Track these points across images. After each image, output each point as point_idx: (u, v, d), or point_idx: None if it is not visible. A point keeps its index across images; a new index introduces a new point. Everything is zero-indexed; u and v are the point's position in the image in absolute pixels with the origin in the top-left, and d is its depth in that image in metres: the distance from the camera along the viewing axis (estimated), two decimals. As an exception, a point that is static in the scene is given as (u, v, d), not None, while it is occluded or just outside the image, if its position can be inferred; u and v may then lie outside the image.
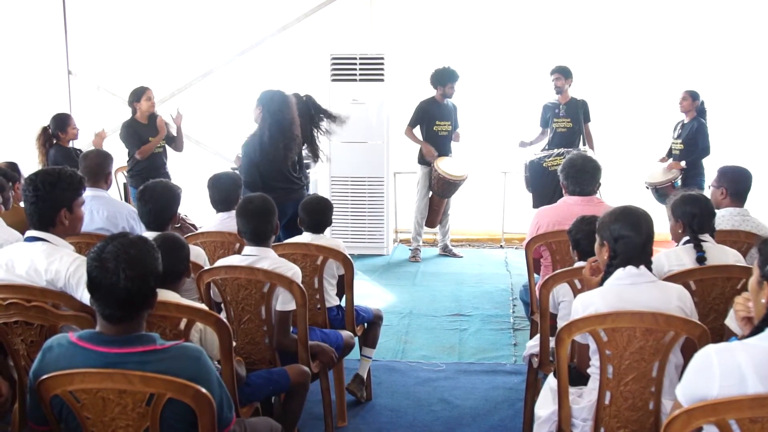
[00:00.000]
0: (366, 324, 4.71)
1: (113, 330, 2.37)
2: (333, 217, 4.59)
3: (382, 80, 8.06)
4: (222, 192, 4.78)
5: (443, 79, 7.61)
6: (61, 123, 6.71)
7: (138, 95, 6.92)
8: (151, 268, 2.41)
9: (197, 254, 3.96)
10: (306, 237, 4.46)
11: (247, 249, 3.78)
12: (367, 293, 6.85)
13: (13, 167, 5.40)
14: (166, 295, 3.00)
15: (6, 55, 8.05)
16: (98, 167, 4.84)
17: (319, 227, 4.49)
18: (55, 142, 6.66)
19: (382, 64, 8.02)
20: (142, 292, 2.37)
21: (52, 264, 3.19)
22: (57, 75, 8.64)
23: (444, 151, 7.74)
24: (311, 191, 7.92)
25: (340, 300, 4.52)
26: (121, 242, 2.39)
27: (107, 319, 2.37)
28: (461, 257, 8.30)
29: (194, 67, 9.07)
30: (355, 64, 8.07)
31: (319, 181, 8.48)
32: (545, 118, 7.73)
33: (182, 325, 3.00)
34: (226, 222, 4.62)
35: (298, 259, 4.21)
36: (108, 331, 2.37)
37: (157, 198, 3.97)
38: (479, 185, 8.55)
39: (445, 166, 7.53)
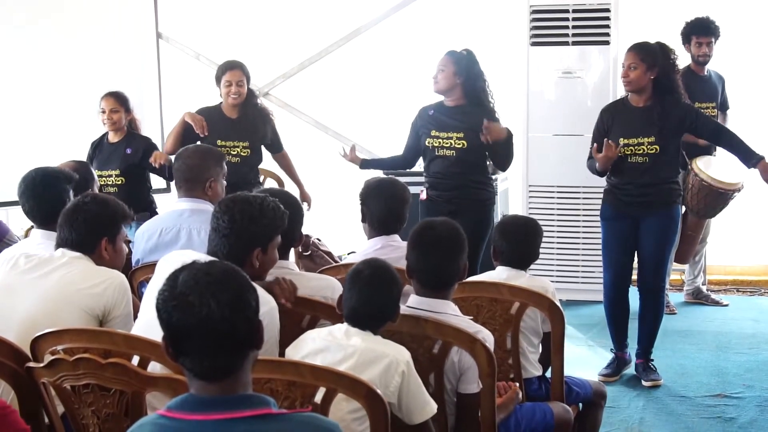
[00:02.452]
0: (581, 405, 4.66)
1: (213, 389, 2.42)
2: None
3: (607, 43, 8.00)
4: (383, 205, 4.84)
5: (687, 32, 7.43)
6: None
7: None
8: (246, 285, 2.48)
9: (333, 290, 4.02)
10: (500, 273, 4.46)
11: (414, 299, 3.80)
12: (583, 359, 6.79)
13: (85, 168, 5.68)
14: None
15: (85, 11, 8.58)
16: (191, 170, 5.00)
17: (523, 261, 4.54)
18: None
19: (607, 18, 7.96)
20: (244, 319, 2.43)
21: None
22: (144, 38, 9.08)
23: (705, 148, 7.53)
24: (499, 205, 7.94)
25: (545, 369, 4.48)
26: (194, 267, 2.47)
27: (206, 375, 2.42)
28: (725, 306, 8.17)
29: (330, 29, 9.35)
30: (567, 19, 8.04)
31: (511, 191, 8.45)
32: None
33: (318, 396, 3.03)
34: (383, 252, 4.65)
35: (484, 306, 4.21)
36: (206, 391, 2.43)
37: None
38: (754, 197, 8.28)
39: (710, 168, 7.31)
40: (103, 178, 7.05)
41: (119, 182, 7.06)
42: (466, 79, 6.39)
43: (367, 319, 3.43)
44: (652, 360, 6.44)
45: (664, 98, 6.06)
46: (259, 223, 3.66)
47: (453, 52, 6.44)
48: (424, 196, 6.55)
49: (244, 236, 3.64)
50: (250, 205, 3.67)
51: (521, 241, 4.52)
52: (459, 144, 6.39)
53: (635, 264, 6.46)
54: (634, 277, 6.50)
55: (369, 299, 3.43)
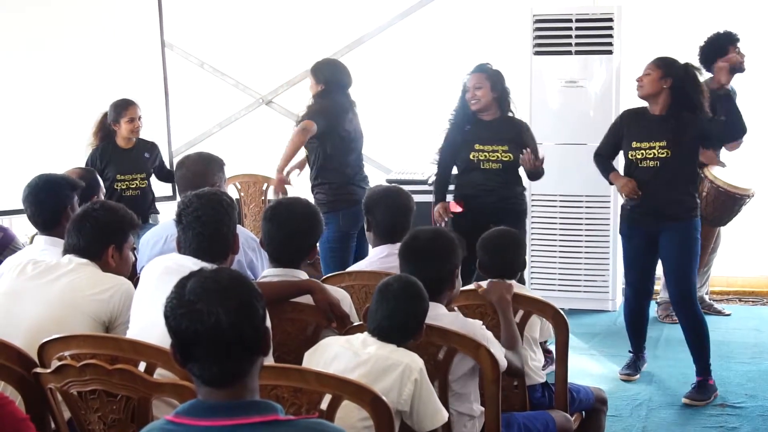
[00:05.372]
0: (584, 412, 4.67)
1: (220, 395, 2.44)
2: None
3: (610, 52, 8.00)
4: (389, 214, 4.87)
5: (722, 44, 7.38)
6: (115, 112, 7.34)
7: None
8: (253, 292, 2.50)
9: (342, 300, 4.03)
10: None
11: None
12: (584, 368, 6.78)
13: (90, 176, 5.70)
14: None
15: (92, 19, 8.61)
16: (198, 177, 5.02)
17: (510, 272, 4.54)
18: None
19: (610, 28, 7.96)
20: (251, 326, 2.45)
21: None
22: (149, 46, 9.10)
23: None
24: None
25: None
26: (202, 275, 2.49)
27: (214, 381, 2.44)
28: (727, 315, 8.15)
29: (334, 38, 9.38)
30: (570, 28, 8.04)
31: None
32: None
33: (324, 403, 3.04)
34: (388, 260, 4.66)
35: (487, 314, 4.21)
36: (213, 397, 2.44)
37: (295, 222, 4.11)
38: (758, 209, 8.27)
39: (723, 174, 7.28)
40: (126, 182, 7.18)
41: (143, 185, 7.27)
42: (500, 93, 6.57)
43: (393, 333, 3.45)
44: (710, 379, 6.32)
45: (681, 111, 6.06)
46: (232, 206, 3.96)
47: (485, 67, 6.56)
48: (458, 209, 6.63)
49: (229, 221, 3.89)
50: (215, 194, 3.95)
51: (504, 252, 4.54)
52: (506, 157, 6.50)
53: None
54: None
55: (396, 313, 3.46)
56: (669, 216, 6.15)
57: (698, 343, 6.31)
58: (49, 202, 4.68)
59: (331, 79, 6.81)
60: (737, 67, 7.36)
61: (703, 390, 6.21)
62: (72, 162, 7.00)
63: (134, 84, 8.48)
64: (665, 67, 6.06)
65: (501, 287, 4.23)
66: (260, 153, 8.49)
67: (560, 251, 8.25)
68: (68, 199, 4.72)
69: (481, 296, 4.25)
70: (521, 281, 5.86)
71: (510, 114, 6.66)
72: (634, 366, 6.66)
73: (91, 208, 4.16)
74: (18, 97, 8.13)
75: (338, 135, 6.77)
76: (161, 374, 3.28)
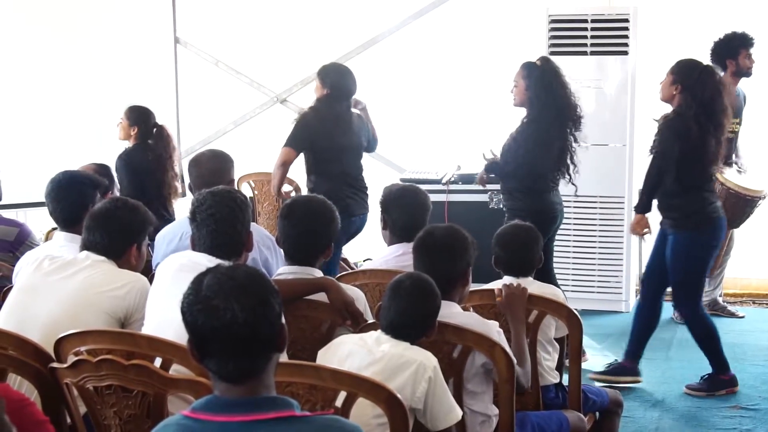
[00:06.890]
0: (598, 413, 4.67)
1: (237, 391, 2.46)
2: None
3: (625, 53, 8.00)
4: (406, 214, 4.89)
5: (734, 45, 7.38)
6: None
7: None
8: (269, 289, 2.52)
9: (356, 299, 4.05)
10: (508, 282, 4.46)
11: None
12: (599, 368, 6.74)
13: (105, 171, 5.72)
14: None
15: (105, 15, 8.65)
16: (214, 174, 5.04)
17: (526, 268, 4.55)
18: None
19: (626, 28, 7.96)
20: (267, 323, 2.47)
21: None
22: (161, 42, 9.13)
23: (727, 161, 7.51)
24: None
25: (561, 376, 4.51)
26: (218, 271, 2.51)
27: (230, 377, 2.46)
28: (741, 318, 8.17)
29: (349, 37, 9.40)
30: (586, 29, 8.04)
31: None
32: None
33: (339, 400, 3.06)
34: (403, 259, 4.67)
35: (502, 314, 4.20)
36: (230, 393, 2.46)
37: (310, 220, 4.14)
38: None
39: (734, 177, 7.30)
40: None
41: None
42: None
43: (405, 330, 3.47)
44: (725, 375, 6.32)
45: (681, 117, 5.97)
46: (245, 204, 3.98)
47: None
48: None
49: (243, 219, 3.91)
50: (230, 192, 3.97)
51: (519, 248, 4.55)
52: None
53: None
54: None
55: (408, 310, 3.48)
56: (668, 223, 6.21)
57: (703, 348, 6.36)
58: (71, 199, 4.71)
59: (336, 85, 6.76)
60: (744, 72, 7.40)
61: (710, 383, 6.30)
62: (85, 157, 7.03)
63: (145, 80, 8.53)
64: (677, 72, 6.01)
65: (516, 299, 4.20)
66: (274, 151, 8.49)
67: (574, 252, 8.26)
68: (90, 198, 4.75)
69: (494, 296, 4.26)
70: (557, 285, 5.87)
71: None
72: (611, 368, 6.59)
73: (114, 207, 4.18)
74: (31, 93, 8.18)
75: (325, 148, 6.72)
76: (177, 370, 3.30)
